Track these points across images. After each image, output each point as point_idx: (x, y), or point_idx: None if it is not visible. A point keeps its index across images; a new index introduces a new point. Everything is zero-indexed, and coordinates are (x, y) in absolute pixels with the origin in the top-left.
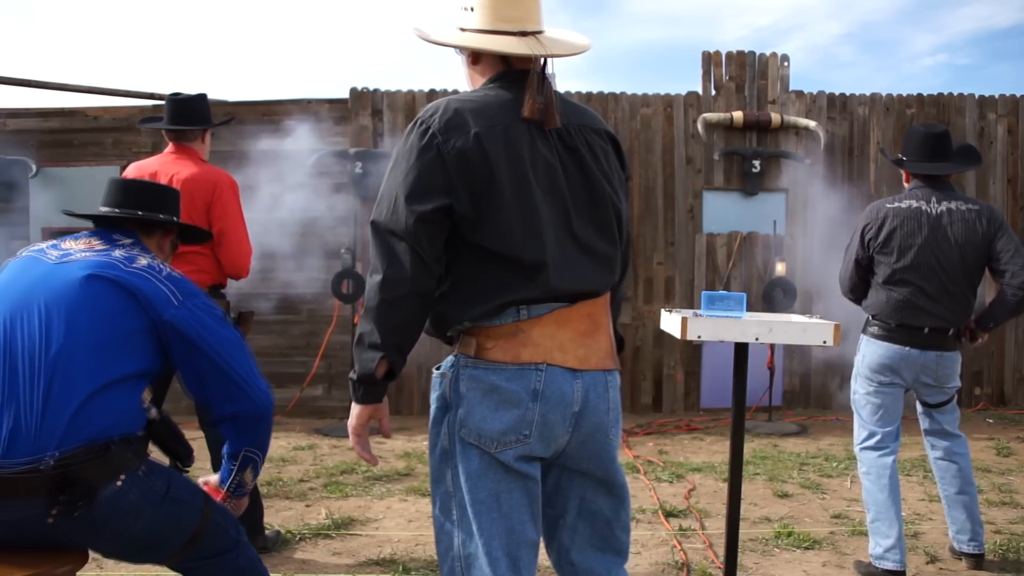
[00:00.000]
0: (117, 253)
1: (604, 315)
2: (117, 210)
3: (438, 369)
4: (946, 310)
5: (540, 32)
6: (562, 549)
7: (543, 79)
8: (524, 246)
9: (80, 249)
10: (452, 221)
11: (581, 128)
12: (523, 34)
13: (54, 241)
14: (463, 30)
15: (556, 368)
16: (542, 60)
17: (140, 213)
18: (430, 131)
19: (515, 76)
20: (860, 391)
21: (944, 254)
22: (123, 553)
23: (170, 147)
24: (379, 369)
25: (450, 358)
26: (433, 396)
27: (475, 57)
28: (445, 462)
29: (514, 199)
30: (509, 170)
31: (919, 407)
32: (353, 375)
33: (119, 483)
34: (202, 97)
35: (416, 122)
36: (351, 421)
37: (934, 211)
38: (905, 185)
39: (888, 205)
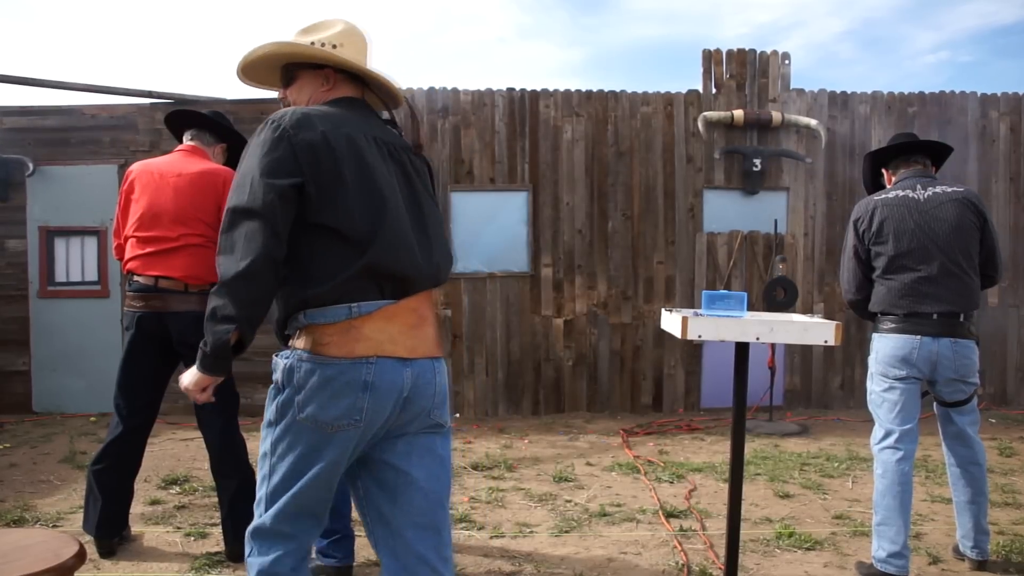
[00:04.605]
0: None
1: (429, 309)
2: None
3: (278, 355)
4: (951, 293)
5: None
6: (383, 519)
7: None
8: (361, 223)
9: None
10: (299, 202)
11: (403, 148)
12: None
13: None
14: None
15: (387, 359)
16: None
17: None
18: (281, 127)
19: (355, 103)
20: (876, 389)
21: (939, 236)
22: None
23: (182, 146)
24: (231, 340)
25: (289, 350)
26: (274, 376)
27: (333, 83)
28: (282, 431)
29: (355, 187)
30: (351, 163)
31: (937, 409)
32: (206, 347)
33: None
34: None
35: (268, 122)
36: (190, 381)
37: (921, 197)
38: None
39: (876, 198)
